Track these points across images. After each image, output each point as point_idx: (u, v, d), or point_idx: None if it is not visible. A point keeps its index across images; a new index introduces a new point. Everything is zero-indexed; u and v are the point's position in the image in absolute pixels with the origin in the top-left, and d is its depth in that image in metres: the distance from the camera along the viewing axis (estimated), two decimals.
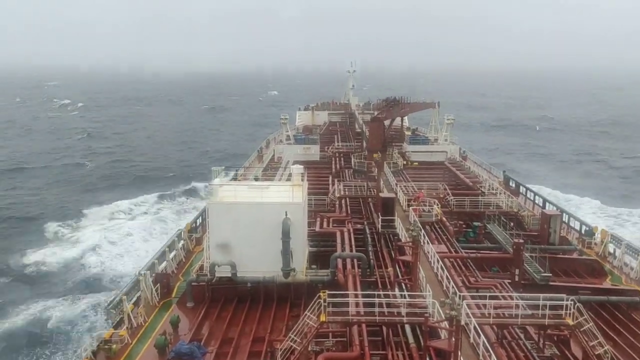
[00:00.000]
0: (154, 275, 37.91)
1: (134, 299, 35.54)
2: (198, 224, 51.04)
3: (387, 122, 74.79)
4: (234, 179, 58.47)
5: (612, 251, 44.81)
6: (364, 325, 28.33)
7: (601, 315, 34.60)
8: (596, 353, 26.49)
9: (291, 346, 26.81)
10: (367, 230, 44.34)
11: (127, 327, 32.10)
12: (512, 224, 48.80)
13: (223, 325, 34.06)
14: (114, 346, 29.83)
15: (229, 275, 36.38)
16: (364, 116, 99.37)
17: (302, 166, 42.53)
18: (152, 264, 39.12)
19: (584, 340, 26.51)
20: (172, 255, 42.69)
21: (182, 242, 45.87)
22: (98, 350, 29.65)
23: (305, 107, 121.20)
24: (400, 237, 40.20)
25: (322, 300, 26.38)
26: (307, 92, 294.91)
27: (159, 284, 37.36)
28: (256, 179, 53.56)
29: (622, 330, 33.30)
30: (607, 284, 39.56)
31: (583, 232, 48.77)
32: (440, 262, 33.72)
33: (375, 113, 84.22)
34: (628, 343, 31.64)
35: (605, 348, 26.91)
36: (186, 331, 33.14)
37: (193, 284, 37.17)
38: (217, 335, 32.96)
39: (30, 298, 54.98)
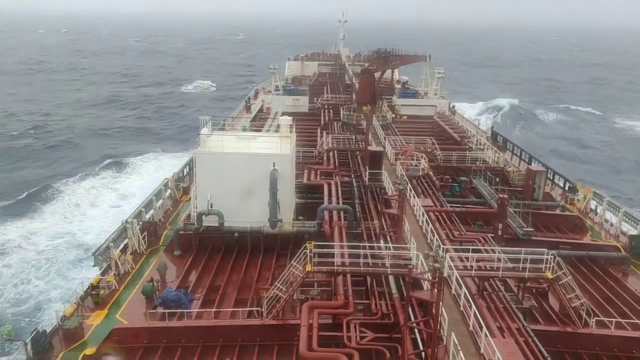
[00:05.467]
0: (141, 223, 37.97)
1: (121, 246, 35.64)
2: (185, 173, 50.82)
3: (377, 75, 73.85)
4: (221, 129, 57.89)
5: (593, 207, 45.68)
6: (348, 276, 28.81)
7: (580, 269, 35.58)
8: (573, 305, 27.38)
9: (277, 294, 27.34)
10: (355, 183, 44.39)
11: (114, 274, 32.37)
12: (497, 179, 49.22)
13: (210, 273, 34.49)
14: (102, 292, 30.10)
15: (216, 225, 36.56)
16: (354, 68, 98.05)
17: (290, 117, 42.14)
18: (139, 212, 39.05)
19: (562, 293, 27.33)
20: (159, 203, 42.61)
21: (169, 191, 45.76)
22: (86, 296, 29.92)
23: (295, 58, 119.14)
24: (387, 190, 40.46)
25: (308, 251, 26.76)
26: None
27: (146, 232, 37.51)
28: (244, 130, 53.11)
29: (598, 284, 34.32)
30: (587, 239, 40.46)
31: (567, 188, 49.45)
32: (426, 215, 34.13)
33: (366, 65, 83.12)
34: (604, 297, 32.68)
35: (582, 301, 27.78)
36: (173, 278, 33.55)
37: (180, 232, 37.35)
38: (204, 283, 33.44)
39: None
